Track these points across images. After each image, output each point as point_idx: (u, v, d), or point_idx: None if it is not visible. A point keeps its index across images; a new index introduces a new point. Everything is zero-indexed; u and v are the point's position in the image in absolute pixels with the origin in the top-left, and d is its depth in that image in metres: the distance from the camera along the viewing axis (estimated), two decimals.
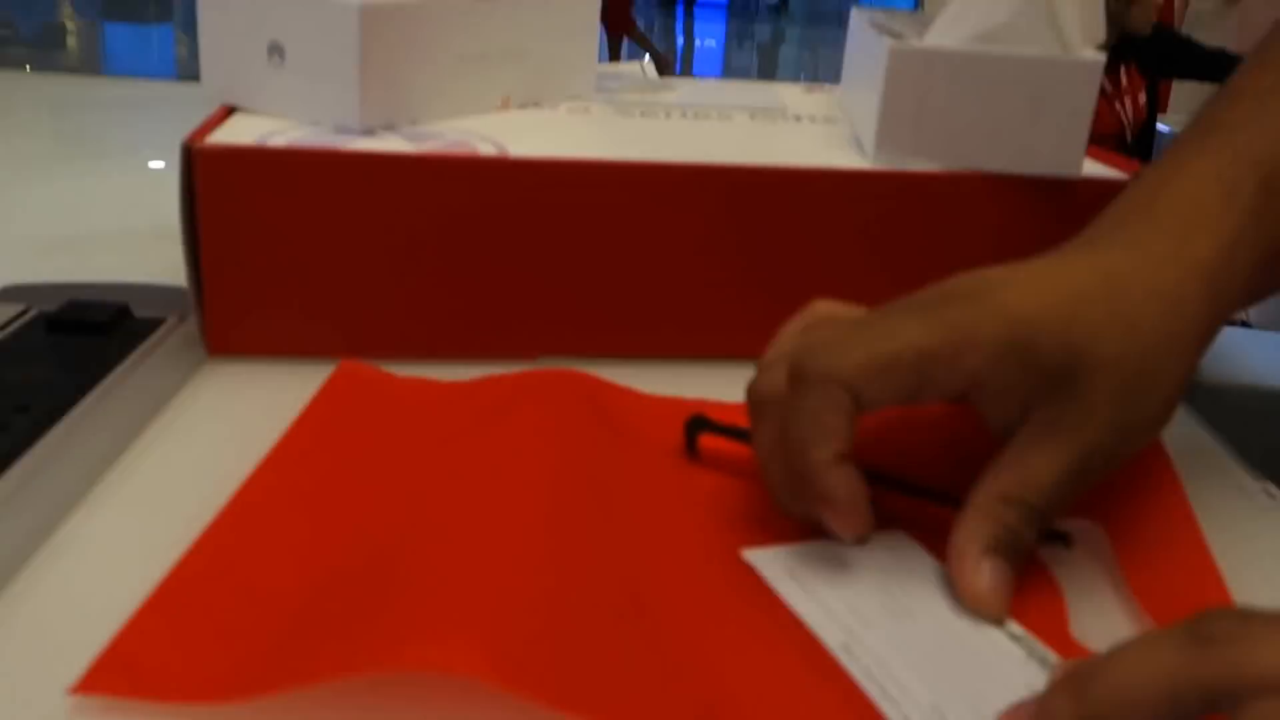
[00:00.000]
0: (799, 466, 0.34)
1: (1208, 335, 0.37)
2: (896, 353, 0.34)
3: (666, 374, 0.49)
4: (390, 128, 0.50)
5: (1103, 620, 0.35)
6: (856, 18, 0.60)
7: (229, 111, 0.52)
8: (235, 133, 0.48)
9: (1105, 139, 2.48)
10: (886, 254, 0.50)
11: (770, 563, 0.35)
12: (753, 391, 0.37)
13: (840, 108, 0.63)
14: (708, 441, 0.42)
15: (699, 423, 0.42)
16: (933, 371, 0.34)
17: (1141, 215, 0.39)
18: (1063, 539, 0.37)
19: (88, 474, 0.40)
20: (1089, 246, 0.39)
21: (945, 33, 0.49)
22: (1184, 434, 0.47)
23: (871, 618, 0.33)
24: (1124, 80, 2.57)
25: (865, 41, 0.54)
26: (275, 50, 0.51)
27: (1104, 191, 0.49)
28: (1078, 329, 0.35)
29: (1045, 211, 0.49)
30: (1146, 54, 2.58)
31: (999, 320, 0.34)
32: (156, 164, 1.03)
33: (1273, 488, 0.42)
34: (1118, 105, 2.55)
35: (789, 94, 0.67)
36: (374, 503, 0.37)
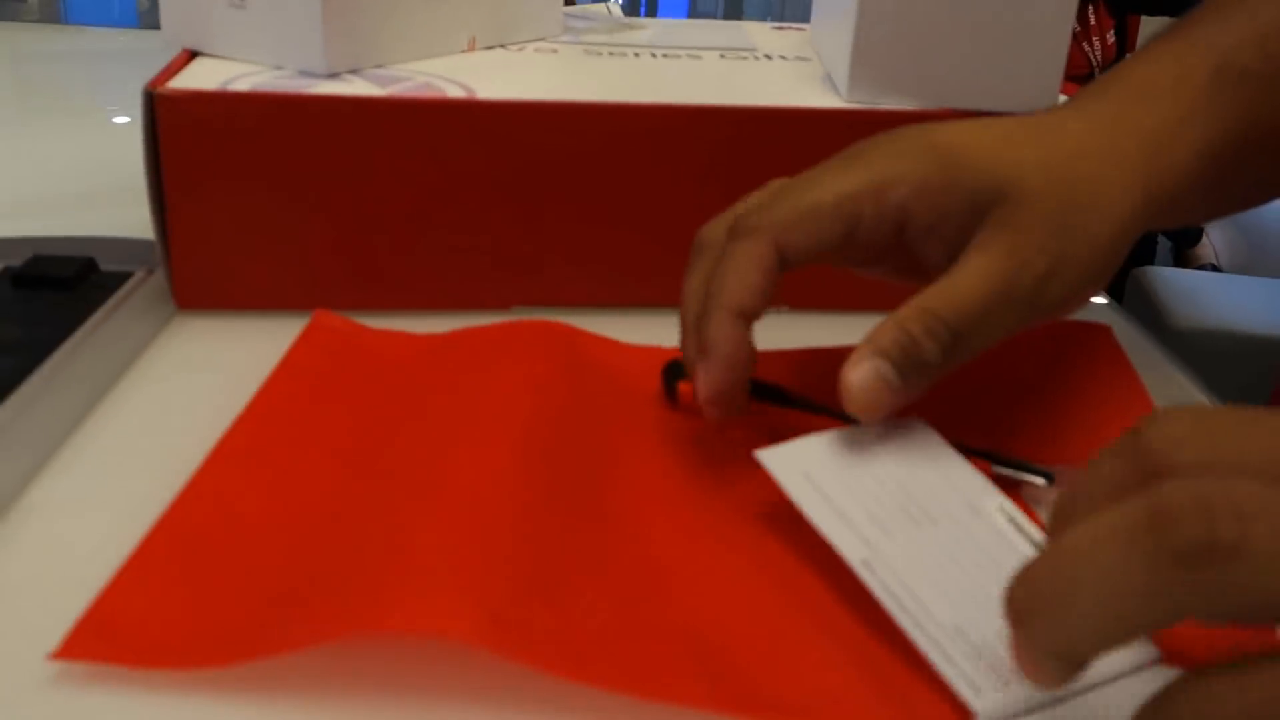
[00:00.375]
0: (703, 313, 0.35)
1: (1143, 207, 0.36)
2: (819, 200, 0.34)
3: (644, 322, 0.48)
4: (355, 71, 0.49)
5: None
6: None
7: (190, 56, 0.51)
8: (197, 78, 0.47)
9: (1074, 80, 2.47)
10: None
11: (784, 463, 0.33)
12: (695, 239, 0.38)
13: (811, 47, 0.63)
14: (687, 387, 0.41)
15: (677, 368, 0.41)
16: (859, 211, 0.34)
17: (1094, 92, 0.40)
18: (1046, 476, 0.37)
19: (57, 433, 0.39)
20: (1031, 115, 0.39)
21: None
22: (1161, 376, 0.47)
23: (891, 525, 0.31)
24: (1092, 19, 2.56)
25: None
26: None
27: None
28: (1005, 156, 0.35)
29: None
30: None
31: (924, 152, 0.35)
32: (121, 119, 1.02)
33: None
34: (1086, 45, 2.53)
35: (759, 33, 0.66)
36: (354, 460, 0.37)
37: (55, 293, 0.48)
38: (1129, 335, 0.50)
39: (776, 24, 0.70)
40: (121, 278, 0.50)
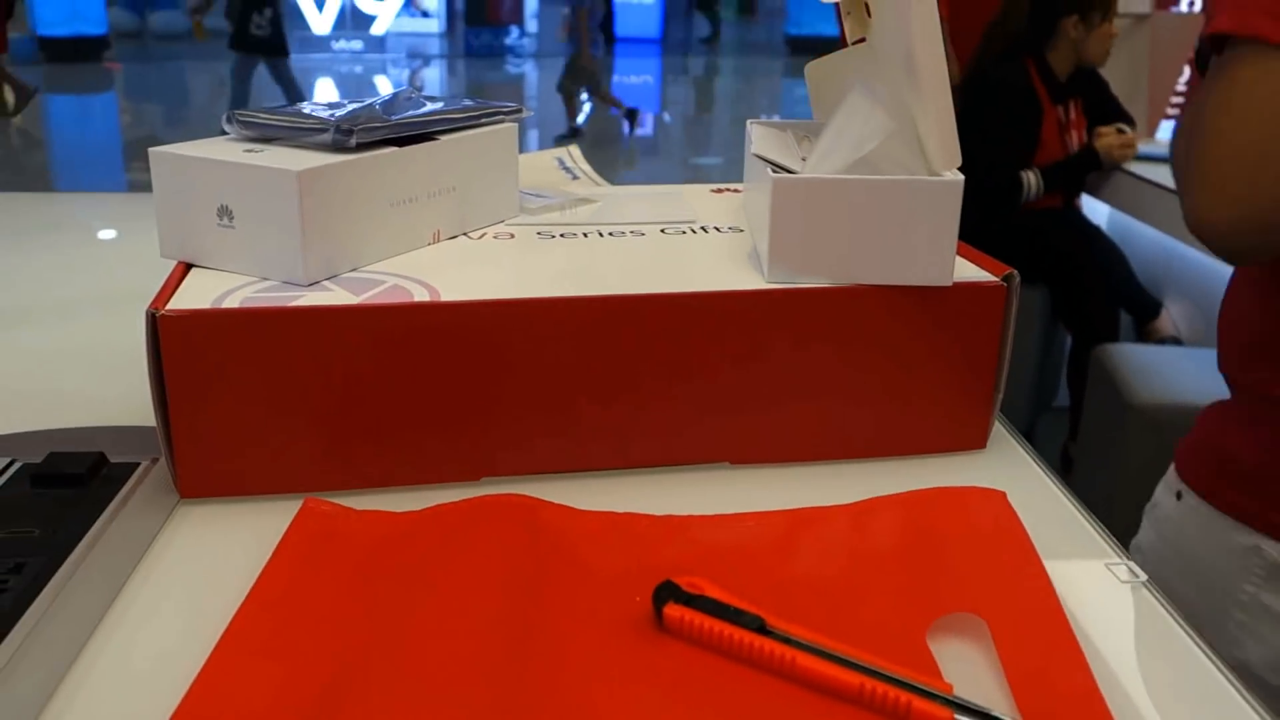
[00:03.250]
0: None
1: None
2: None
3: (598, 485, 0.54)
4: (332, 277, 0.56)
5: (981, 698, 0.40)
6: (750, 130, 0.67)
7: (185, 269, 0.57)
8: (192, 295, 0.53)
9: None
10: (785, 359, 0.55)
11: None
12: None
13: (744, 210, 0.69)
14: (674, 611, 0.42)
15: (666, 590, 0.43)
16: None
17: None
18: None
19: (77, 634, 0.44)
20: None
21: (822, 160, 0.55)
22: (1054, 510, 0.53)
23: None
24: (1073, 115, 2.67)
25: (756, 165, 0.60)
26: (224, 212, 0.56)
27: (976, 294, 0.56)
28: None
29: (925, 316, 0.55)
30: (1088, 94, 2.69)
31: None
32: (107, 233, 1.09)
33: (1135, 567, 0.48)
34: (1066, 137, 2.64)
35: (698, 200, 0.73)
36: (342, 646, 0.42)
37: (70, 489, 0.54)
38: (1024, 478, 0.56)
39: (716, 187, 0.77)
40: (129, 468, 0.56)
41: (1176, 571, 0.88)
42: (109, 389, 0.67)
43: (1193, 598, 0.87)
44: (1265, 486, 0.78)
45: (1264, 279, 0.80)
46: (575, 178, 0.88)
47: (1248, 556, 0.80)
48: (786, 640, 0.41)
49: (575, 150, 0.99)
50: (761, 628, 0.41)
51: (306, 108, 0.60)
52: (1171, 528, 0.89)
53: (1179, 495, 0.88)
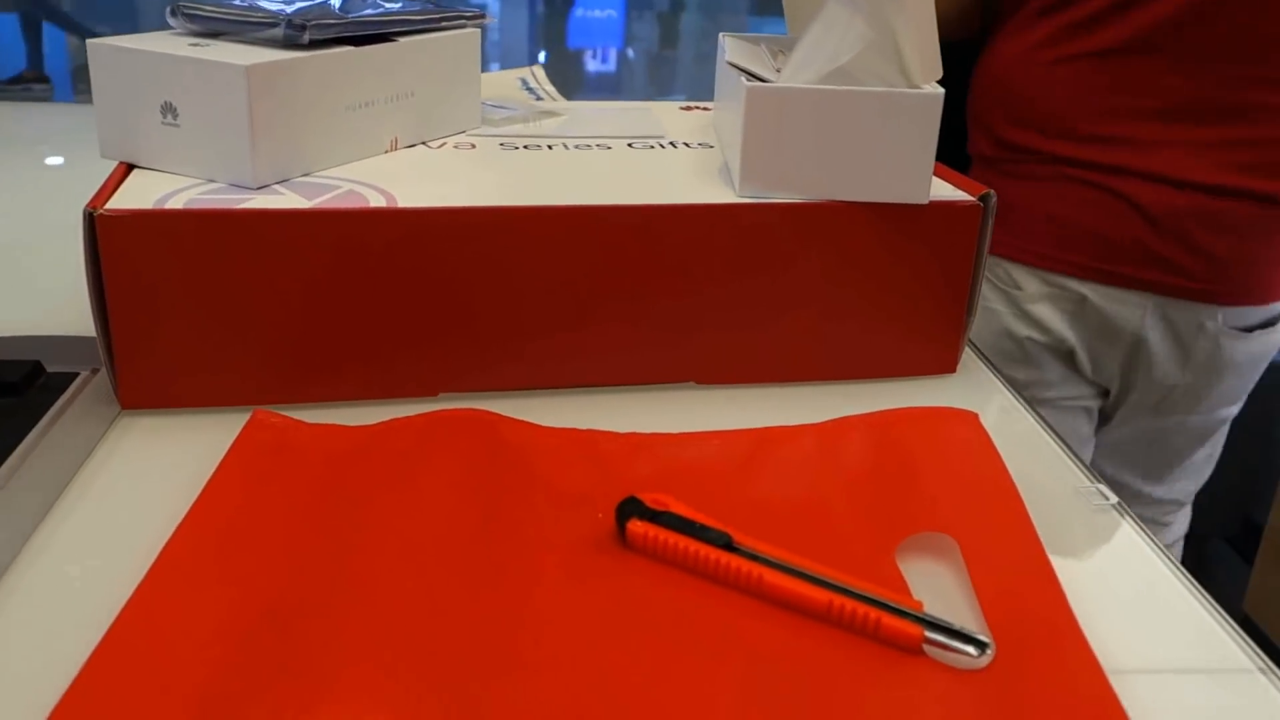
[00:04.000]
0: None
1: None
2: None
3: (559, 403, 0.53)
4: (283, 181, 0.53)
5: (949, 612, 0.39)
6: (723, 42, 0.64)
7: (127, 170, 0.54)
8: (134, 195, 0.50)
9: None
10: (755, 277, 0.54)
11: None
12: None
13: (714, 128, 0.67)
14: (638, 526, 0.41)
15: (629, 507, 0.42)
16: None
17: None
18: (979, 645, 0.36)
19: (9, 545, 0.42)
20: None
21: (798, 71, 0.53)
22: (1026, 434, 0.52)
23: None
24: None
25: (729, 76, 0.57)
26: (168, 110, 0.53)
27: (952, 214, 0.54)
28: None
29: (899, 235, 0.54)
30: None
31: None
32: (54, 160, 1.05)
33: (1106, 490, 0.47)
34: None
35: (667, 116, 0.71)
36: (291, 561, 0.40)
37: (4, 397, 0.51)
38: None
39: (685, 104, 0.75)
40: (68, 378, 0.53)
41: None
42: (47, 298, 0.64)
43: None
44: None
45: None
46: (539, 98, 0.85)
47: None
48: (754, 557, 0.40)
49: (539, 71, 0.96)
50: (728, 544, 0.40)
51: (258, 1, 0.57)
52: None
53: None
